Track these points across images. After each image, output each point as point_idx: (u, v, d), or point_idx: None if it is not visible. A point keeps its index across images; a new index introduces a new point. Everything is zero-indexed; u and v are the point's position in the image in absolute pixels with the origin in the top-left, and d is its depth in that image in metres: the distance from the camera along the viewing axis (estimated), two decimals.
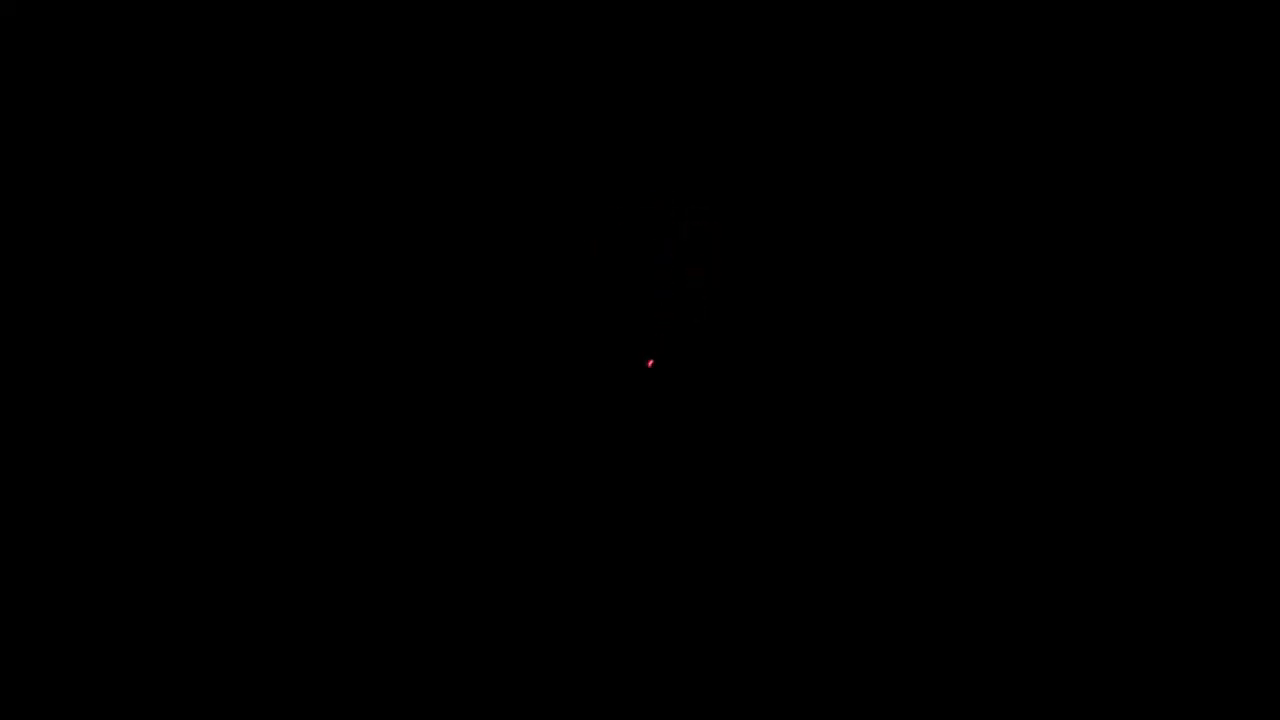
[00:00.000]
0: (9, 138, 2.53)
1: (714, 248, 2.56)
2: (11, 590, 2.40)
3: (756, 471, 2.67)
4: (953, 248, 2.58)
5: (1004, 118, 2.51)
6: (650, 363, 2.29)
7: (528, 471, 2.72)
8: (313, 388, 2.70)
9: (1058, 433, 2.60)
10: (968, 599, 2.55)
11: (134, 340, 2.70)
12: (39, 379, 2.67)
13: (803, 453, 2.64)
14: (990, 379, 2.55)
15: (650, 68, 2.55)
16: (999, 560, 2.58)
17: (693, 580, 2.59)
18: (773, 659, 2.41)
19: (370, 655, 2.35)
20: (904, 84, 2.53)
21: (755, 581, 2.62)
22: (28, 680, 2.13)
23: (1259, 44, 2.37)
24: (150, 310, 2.71)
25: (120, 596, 2.42)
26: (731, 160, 2.57)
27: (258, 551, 2.64)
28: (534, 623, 2.50)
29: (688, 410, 2.68)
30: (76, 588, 2.42)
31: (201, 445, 2.70)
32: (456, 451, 2.72)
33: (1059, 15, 2.45)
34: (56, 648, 2.27)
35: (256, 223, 2.66)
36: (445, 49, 2.58)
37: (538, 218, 2.64)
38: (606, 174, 2.57)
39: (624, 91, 2.56)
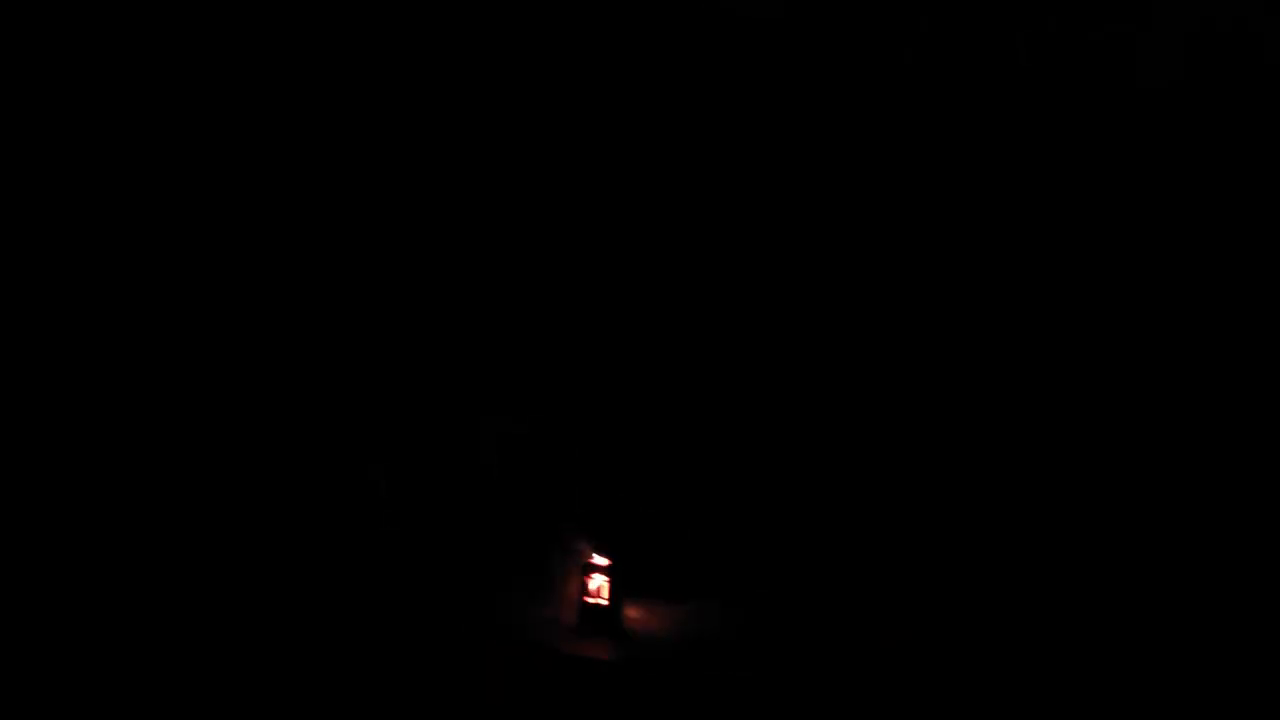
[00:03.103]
0: (8, 137, 2.53)
1: (713, 247, 2.56)
2: (10, 588, 2.40)
3: (756, 468, 2.67)
4: (949, 251, 2.59)
5: (1000, 125, 2.52)
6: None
7: (527, 468, 2.72)
8: (312, 386, 2.70)
9: (1050, 432, 2.60)
10: (965, 597, 2.54)
11: (119, 334, 2.70)
12: (35, 376, 2.67)
13: (803, 450, 2.64)
14: (987, 375, 2.56)
15: (649, 75, 2.56)
16: (997, 559, 2.57)
17: (691, 575, 2.59)
18: (769, 656, 2.41)
19: (366, 653, 2.35)
20: (902, 90, 2.53)
21: (754, 578, 2.62)
22: (27, 679, 2.13)
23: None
24: (143, 306, 2.71)
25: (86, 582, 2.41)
26: (730, 165, 2.57)
27: (252, 547, 2.63)
28: (533, 613, 2.49)
29: (688, 408, 2.68)
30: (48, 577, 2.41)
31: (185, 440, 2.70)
32: (456, 447, 2.72)
33: (1052, 19, 2.46)
34: (52, 645, 2.27)
35: (258, 221, 2.66)
36: (447, 54, 2.59)
37: (538, 218, 2.64)
38: (606, 174, 2.58)
39: (625, 96, 2.56)
